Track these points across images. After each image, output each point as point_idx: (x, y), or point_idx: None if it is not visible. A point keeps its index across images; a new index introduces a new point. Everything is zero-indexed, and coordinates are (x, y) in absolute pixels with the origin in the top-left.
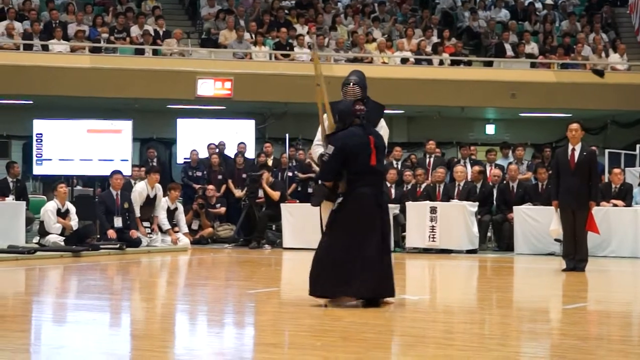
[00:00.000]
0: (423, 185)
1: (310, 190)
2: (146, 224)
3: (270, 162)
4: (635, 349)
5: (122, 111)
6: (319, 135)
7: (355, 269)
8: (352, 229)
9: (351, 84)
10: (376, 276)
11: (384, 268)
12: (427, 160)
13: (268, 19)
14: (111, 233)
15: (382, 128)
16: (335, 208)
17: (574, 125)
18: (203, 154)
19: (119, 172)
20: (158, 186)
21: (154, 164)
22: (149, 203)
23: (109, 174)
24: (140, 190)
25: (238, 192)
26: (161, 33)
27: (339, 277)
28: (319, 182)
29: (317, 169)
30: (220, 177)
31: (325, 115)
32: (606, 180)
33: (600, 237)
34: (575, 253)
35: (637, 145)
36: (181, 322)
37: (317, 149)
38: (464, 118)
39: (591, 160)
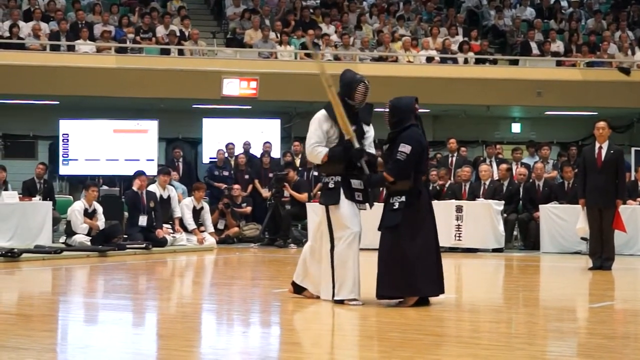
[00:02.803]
0: (447, 185)
1: None
2: (166, 225)
3: (298, 161)
4: None
5: (147, 111)
6: (316, 138)
7: (427, 267)
8: (421, 228)
9: (366, 81)
10: (440, 274)
11: (440, 266)
12: (450, 159)
13: (293, 19)
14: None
15: (371, 129)
16: (397, 207)
17: (601, 124)
18: None
19: (142, 172)
20: (170, 187)
21: (180, 163)
22: (164, 204)
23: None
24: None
25: (265, 192)
26: (187, 33)
27: (413, 277)
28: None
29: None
30: (247, 176)
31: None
32: (633, 178)
33: (627, 235)
34: (601, 251)
35: None
36: (207, 321)
37: (320, 148)
38: (490, 117)
39: (618, 158)
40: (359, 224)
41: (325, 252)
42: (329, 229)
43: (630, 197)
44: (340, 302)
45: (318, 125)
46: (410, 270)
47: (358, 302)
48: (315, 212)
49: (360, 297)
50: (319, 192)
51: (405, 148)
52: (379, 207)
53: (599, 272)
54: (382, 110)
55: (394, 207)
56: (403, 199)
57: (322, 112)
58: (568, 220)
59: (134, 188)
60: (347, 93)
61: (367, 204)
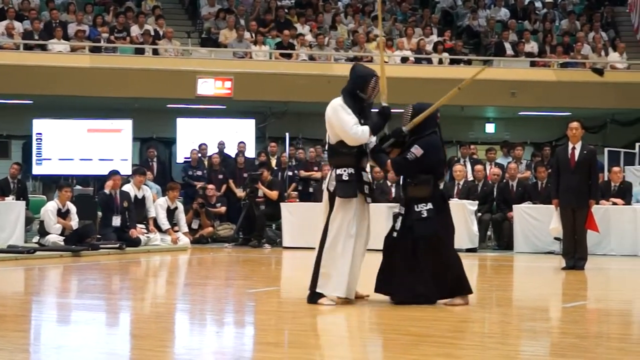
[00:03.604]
0: None
1: (311, 190)
2: (140, 225)
3: (274, 162)
4: (635, 347)
5: (122, 111)
6: (353, 120)
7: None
8: (452, 232)
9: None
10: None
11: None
12: None
13: (269, 19)
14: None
15: None
16: (427, 215)
17: (574, 124)
18: None
19: (116, 172)
20: (145, 187)
21: (154, 163)
22: (138, 204)
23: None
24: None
25: (239, 192)
26: (161, 33)
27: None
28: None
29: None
30: (220, 176)
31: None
32: (606, 178)
33: (600, 235)
34: (575, 251)
35: (637, 144)
36: (181, 321)
37: (361, 127)
38: (464, 117)
39: (591, 158)
40: (355, 228)
41: (319, 243)
42: (327, 221)
43: (603, 198)
44: (314, 299)
45: (345, 111)
46: (457, 271)
47: (331, 303)
48: (290, 212)
49: (350, 296)
50: (294, 192)
51: (417, 150)
52: (381, 209)
53: (572, 271)
54: (401, 111)
55: (423, 216)
56: (430, 206)
57: (338, 101)
58: (541, 220)
59: (106, 190)
60: (359, 86)
61: (370, 198)
